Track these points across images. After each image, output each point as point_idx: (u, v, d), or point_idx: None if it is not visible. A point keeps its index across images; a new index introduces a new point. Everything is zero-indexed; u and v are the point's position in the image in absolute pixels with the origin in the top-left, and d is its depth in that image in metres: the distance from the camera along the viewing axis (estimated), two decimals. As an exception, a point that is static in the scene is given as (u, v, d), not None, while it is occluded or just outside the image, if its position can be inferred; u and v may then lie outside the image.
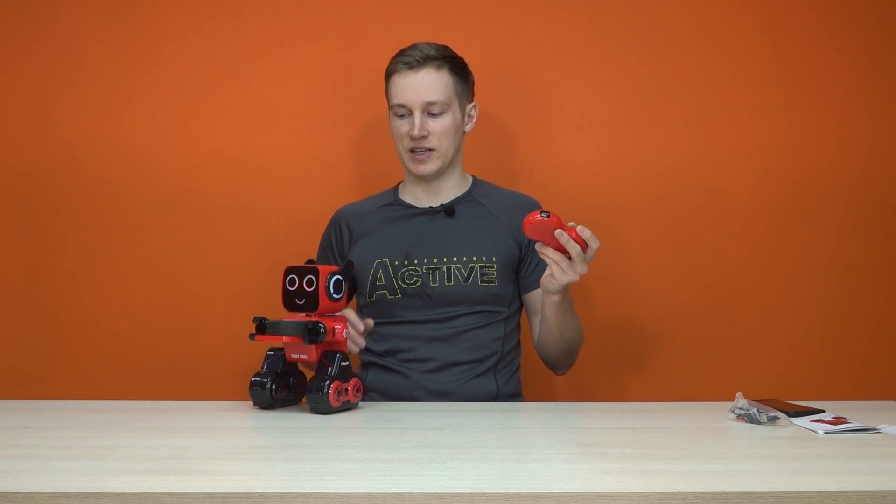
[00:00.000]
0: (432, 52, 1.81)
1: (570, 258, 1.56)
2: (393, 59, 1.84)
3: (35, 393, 2.12)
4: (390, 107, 1.84)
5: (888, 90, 2.15)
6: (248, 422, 1.44)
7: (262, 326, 1.50)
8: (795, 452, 1.25)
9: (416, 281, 1.82)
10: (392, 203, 1.92)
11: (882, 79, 2.15)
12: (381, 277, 1.83)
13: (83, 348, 2.15)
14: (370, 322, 1.70)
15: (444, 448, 1.26)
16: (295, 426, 1.40)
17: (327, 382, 1.46)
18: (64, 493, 1.01)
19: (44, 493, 1.01)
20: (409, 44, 1.85)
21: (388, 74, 1.84)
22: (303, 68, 2.17)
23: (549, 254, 1.56)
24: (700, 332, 2.15)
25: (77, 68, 2.16)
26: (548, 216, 1.51)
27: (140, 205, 2.15)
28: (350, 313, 1.64)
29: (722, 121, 2.16)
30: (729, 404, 1.49)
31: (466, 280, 1.81)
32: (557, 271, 1.58)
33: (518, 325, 1.90)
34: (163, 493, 1.01)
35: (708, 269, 2.15)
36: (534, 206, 1.90)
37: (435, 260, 1.82)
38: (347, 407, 1.51)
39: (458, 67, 1.84)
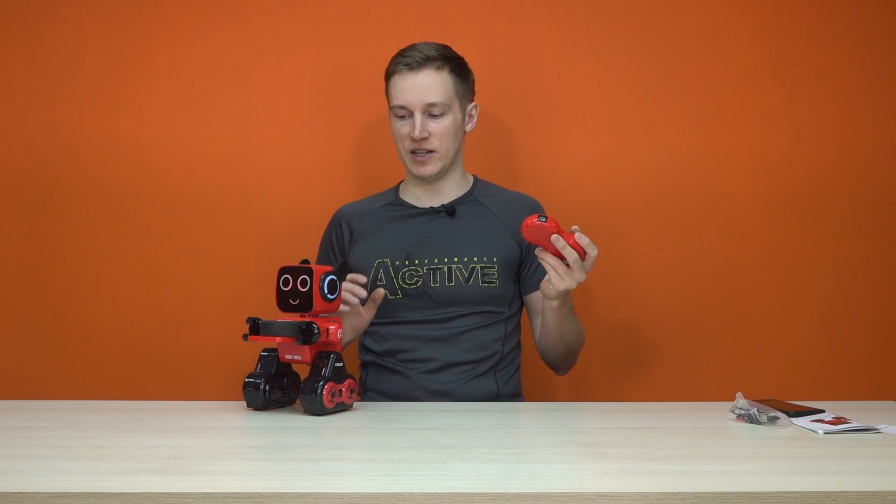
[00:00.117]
0: (432, 53, 1.81)
1: (567, 264, 1.56)
2: (393, 59, 1.84)
3: (35, 393, 2.12)
4: (391, 108, 1.84)
5: (888, 90, 2.15)
6: (247, 422, 1.44)
7: (256, 327, 1.49)
8: (795, 452, 1.25)
9: (417, 281, 1.82)
10: (393, 203, 1.92)
11: (882, 79, 2.15)
12: (381, 277, 1.83)
13: (83, 348, 2.15)
14: (381, 291, 1.70)
15: (444, 448, 1.26)
16: (295, 426, 1.40)
17: (321, 383, 1.45)
18: (64, 493, 1.01)
19: (44, 493, 1.01)
20: (409, 43, 1.84)
21: (388, 75, 1.84)
22: (303, 68, 2.17)
23: (547, 259, 1.56)
24: (700, 333, 2.15)
25: (77, 68, 2.16)
26: (545, 220, 1.51)
27: (140, 205, 2.15)
28: (354, 274, 1.66)
29: (722, 121, 2.16)
30: (729, 404, 1.49)
31: (467, 280, 1.81)
32: (555, 277, 1.58)
33: (518, 325, 1.90)
34: (162, 493, 1.01)
35: (708, 268, 2.16)
36: (535, 206, 1.90)
37: (436, 260, 1.82)
38: (342, 408, 1.50)
39: (458, 68, 1.84)
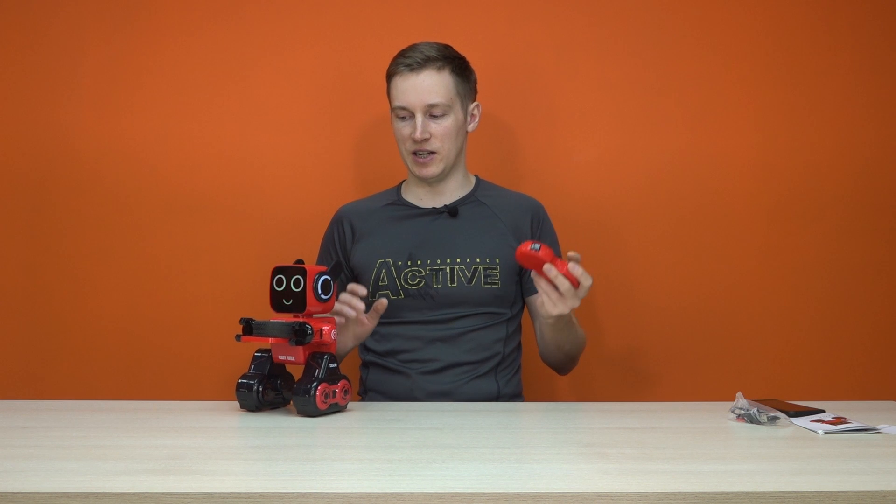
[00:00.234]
0: (433, 53, 1.80)
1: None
2: (394, 60, 1.83)
3: (35, 393, 2.12)
4: (392, 109, 1.84)
5: (888, 90, 2.15)
6: (247, 422, 1.44)
7: (249, 327, 1.48)
8: (795, 452, 1.25)
9: (420, 282, 1.81)
10: (395, 202, 1.92)
11: (882, 79, 2.15)
12: (383, 278, 1.82)
13: (83, 348, 2.15)
14: (384, 302, 1.65)
15: (444, 448, 1.26)
16: (295, 426, 1.40)
17: (314, 384, 1.44)
18: (64, 493, 1.01)
19: (44, 493, 1.01)
20: (410, 44, 1.84)
21: (389, 76, 1.84)
22: (303, 68, 2.17)
23: (541, 284, 1.56)
24: (700, 333, 2.15)
25: (77, 68, 2.16)
26: (538, 249, 1.52)
27: (140, 205, 2.15)
28: (353, 284, 1.63)
29: (723, 121, 2.16)
30: (729, 404, 1.49)
31: (470, 281, 1.81)
32: (548, 303, 1.57)
33: (520, 325, 1.90)
34: (163, 493, 1.01)
35: (708, 268, 2.15)
36: (537, 207, 1.89)
37: (438, 261, 1.82)
38: (335, 409, 1.48)
39: (459, 68, 1.83)
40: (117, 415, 1.52)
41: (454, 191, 1.90)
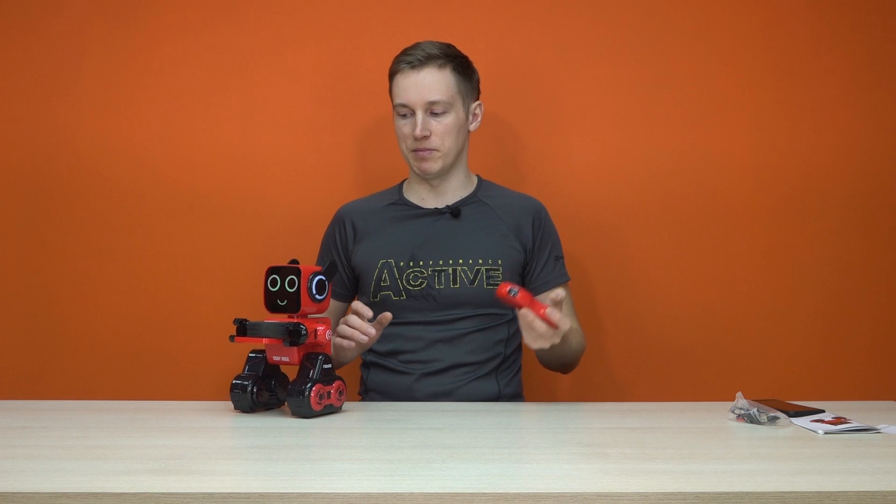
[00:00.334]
0: (435, 51, 1.80)
1: None
2: (396, 58, 1.83)
3: (35, 393, 2.12)
4: (393, 106, 1.84)
5: (888, 90, 2.15)
6: (247, 422, 1.44)
7: (243, 328, 1.47)
8: (795, 452, 1.25)
9: (422, 283, 1.81)
10: (397, 202, 1.91)
11: (882, 79, 2.15)
12: (385, 278, 1.82)
13: (83, 348, 2.15)
14: (388, 315, 1.64)
15: (444, 448, 1.26)
16: (295, 426, 1.40)
17: (308, 385, 1.43)
18: (64, 493, 1.01)
19: (44, 493, 1.01)
20: (412, 43, 1.84)
21: (392, 74, 1.84)
22: (304, 68, 2.17)
23: (520, 322, 1.57)
24: (700, 332, 2.15)
25: (77, 68, 2.16)
26: (515, 294, 1.53)
27: (140, 205, 2.15)
28: (358, 304, 1.62)
29: (723, 121, 2.16)
30: (729, 404, 1.49)
31: (472, 283, 1.80)
32: (527, 338, 1.58)
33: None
34: (163, 493, 1.01)
35: (708, 268, 2.15)
36: (538, 209, 1.89)
37: (440, 262, 1.82)
38: (330, 410, 1.48)
39: (461, 66, 1.83)
40: (117, 415, 1.52)
41: (456, 190, 1.89)
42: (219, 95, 2.16)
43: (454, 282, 1.80)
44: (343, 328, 1.61)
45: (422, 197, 1.90)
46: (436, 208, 1.87)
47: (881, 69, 2.15)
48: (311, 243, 1.97)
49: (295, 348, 1.46)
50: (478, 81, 1.89)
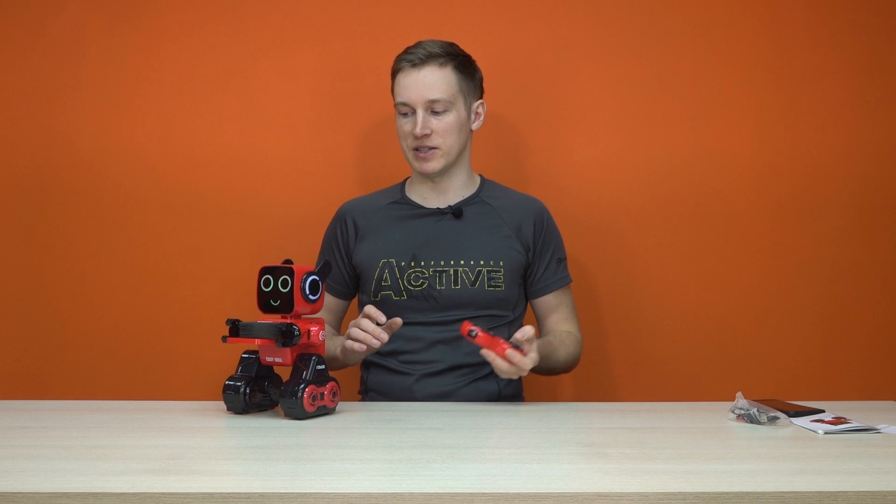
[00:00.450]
0: (436, 50, 1.79)
1: None
2: (397, 57, 1.83)
3: (35, 393, 2.12)
4: (395, 105, 1.84)
5: (889, 90, 2.15)
6: (247, 422, 1.44)
7: (235, 328, 1.46)
8: (795, 452, 1.25)
9: (423, 283, 1.81)
10: (399, 201, 1.91)
11: (883, 79, 2.15)
12: (386, 278, 1.82)
13: (83, 348, 2.15)
14: (398, 321, 1.63)
15: (444, 448, 1.26)
16: (294, 426, 1.40)
17: (301, 387, 1.42)
18: (64, 493, 1.01)
19: (44, 493, 1.01)
20: (413, 42, 1.83)
21: (393, 73, 1.84)
22: (304, 67, 2.17)
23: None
24: (700, 332, 2.15)
25: (77, 68, 2.16)
26: (475, 336, 1.55)
27: (141, 205, 2.15)
28: (371, 308, 1.61)
29: (725, 121, 2.15)
30: (729, 404, 1.49)
31: (473, 284, 1.80)
32: (496, 369, 1.58)
33: (522, 327, 1.89)
34: (163, 493, 1.01)
35: (708, 268, 2.15)
36: (540, 211, 1.88)
37: (442, 262, 1.81)
38: (323, 412, 1.47)
39: (462, 65, 1.82)
40: (117, 415, 1.52)
41: (458, 190, 1.89)
42: (219, 95, 2.16)
43: (455, 283, 1.80)
44: (356, 332, 1.60)
45: (424, 196, 1.89)
46: (438, 208, 1.87)
47: (881, 69, 2.15)
48: (312, 243, 1.97)
49: (288, 349, 1.45)
50: (480, 80, 1.88)
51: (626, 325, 2.16)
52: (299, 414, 1.42)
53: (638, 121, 2.16)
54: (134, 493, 1.01)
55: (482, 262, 1.81)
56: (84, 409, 1.60)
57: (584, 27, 2.16)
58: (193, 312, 2.15)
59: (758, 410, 1.43)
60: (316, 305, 1.48)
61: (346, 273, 1.89)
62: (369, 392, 1.85)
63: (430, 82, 1.78)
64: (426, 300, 1.80)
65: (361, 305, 1.89)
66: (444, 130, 1.80)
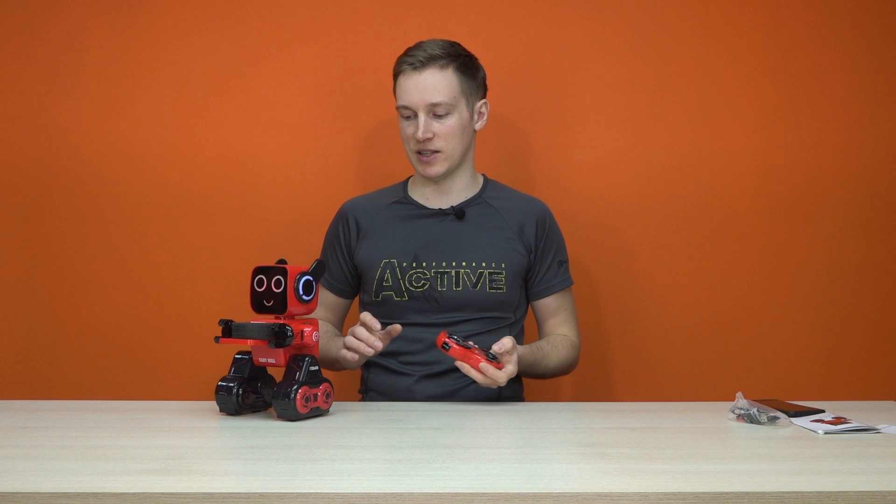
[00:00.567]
0: (437, 52, 1.78)
1: None
2: (398, 58, 1.82)
3: (35, 393, 2.12)
4: (396, 107, 1.83)
5: (889, 90, 2.15)
6: (247, 422, 1.44)
7: (228, 329, 1.45)
8: (795, 452, 1.25)
9: (424, 284, 1.81)
10: (401, 201, 1.90)
11: (883, 79, 2.15)
12: (388, 278, 1.82)
13: (83, 348, 2.15)
14: (398, 327, 1.63)
15: (444, 448, 1.26)
16: (294, 426, 1.40)
17: (294, 388, 1.40)
18: (64, 493, 1.01)
19: (44, 493, 1.01)
20: (414, 42, 1.82)
21: (395, 75, 1.82)
22: (304, 68, 2.17)
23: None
24: (700, 332, 2.15)
25: (77, 68, 2.16)
26: (448, 349, 1.56)
27: (141, 205, 2.15)
28: (367, 315, 1.61)
29: (725, 121, 2.15)
30: (729, 404, 1.49)
31: (475, 286, 1.80)
32: (475, 380, 1.59)
33: (522, 329, 1.89)
34: (163, 493, 1.01)
35: (708, 268, 2.15)
36: (543, 213, 1.88)
37: (444, 264, 1.81)
38: (317, 413, 1.45)
39: (464, 65, 1.81)
40: (117, 415, 1.52)
41: (461, 191, 1.88)
42: (219, 95, 2.16)
43: (457, 284, 1.80)
44: (350, 340, 1.61)
45: (426, 196, 1.89)
46: (440, 209, 1.86)
47: (881, 69, 2.15)
48: (313, 244, 1.97)
49: (281, 350, 1.44)
50: (483, 78, 1.87)
51: (627, 325, 2.16)
52: (292, 415, 1.41)
53: (639, 121, 2.16)
54: (134, 493, 1.01)
55: (484, 264, 1.81)
56: (84, 409, 1.60)
57: (585, 27, 2.16)
58: (193, 312, 2.15)
59: (758, 410, 1.43)
60: (310, 306, 1.47)
61: (348, 272, 1.89)
62: (369, 392, 1.85)
63: (432, 85, 1.77)
64: (427, 301, 1.80)
65: (363, 305, 1.89)
66: (446, 134, 1.79)
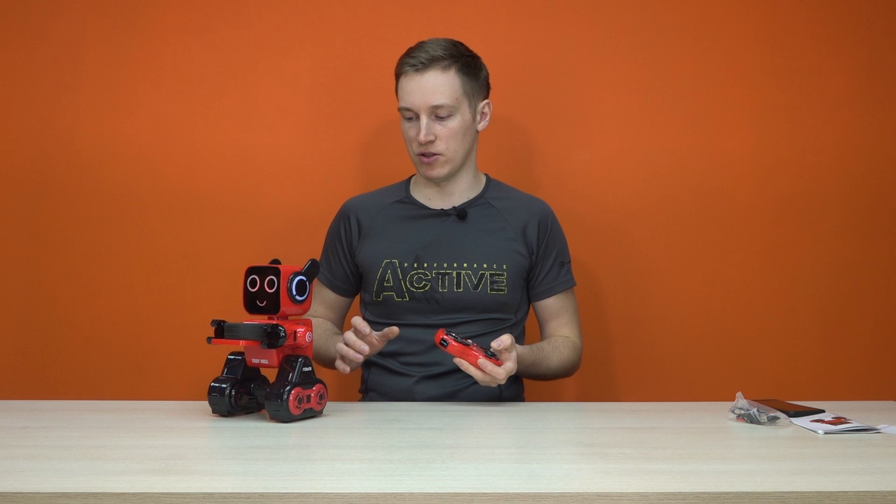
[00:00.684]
0: (439, 53, 1.76)
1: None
2: (400, 59, 1.80)
3: (35, 393, 2.12)
4: (398, 108, 1.82)
5: (889, 90, 2.15)
6: (248, 422, 1.44)
7: (220, 329, 1.44)
8: (795, 452, 1.25)
9: (425, 285, 1.80)
10: (403, 200, 1.89)
11: (883, 79, 2.15)
12: (389, 279, 1.81)
13: (83, 348, 2.15)
14: (395, 330, 1.63)
15: (444, 448, 1.26)
16: (294, 426, 1.40)
17: (287, 389, 1.39)
18: (64, 493, 1.01)
19: (44, 493, 1.01)
20: (414, 43, 1.81)
21: (397, 75, 1.81)
22: (304, 68, 2.17)
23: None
24: (700, 333, 2.15)
25: (77, 68, 2.16)
26: (446, 345, 1.55)
27: (141, 205, 2.15)
28: (357, 320, 1.60)
29: (724, 121, 2.15)
30: (729, 404, 1.49)
31: (476, 287, 1.80)
32: (474, 378, 1.58)
33: (523, 330, 1.89)
34: (163, 493, 1.01)
35: (708, 268, 2.15)
36: (545, 213, 1.87)
37: (445, 265, 1.81)
38: (310, 415, 1.44)
39: (467, 66, 1.80)
40: (117, 415, 1.52)
41: (463, 191, 1.87)
42: (219, 95, 2.16)
43: (458, 285, 1.80)
44: (341, 347, 1.61)
45: (428, 197, 1.88)
46: (442, 209, 1.86)
47: (881, 69, 2.15)
48: (313, 245, 1.97)
49: (274, 350, 1.43)
50: (486, 78, 1.86)
51: (627, 325, 2.16)
52: (285, 417, 1.40)
53: (640, 121, 2.16)
54: (134, 493, 1.00)
55: (485, 266, 1.80)
56: (84, 409, 1.60)
57: (587, 27, 2.16)
58: (194, 312, 2.15)
59: (758, 410, 1.43)
60: (303, 306, 1.46)
61: (349, 270, 1.88)
62: (370, 392, 1.85)
63: (434, 87, 1.76)
64: (428, 302, 1.80)
65: (363, 305, 1.89)
66: (448, 136, 1.78)
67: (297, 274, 1.45)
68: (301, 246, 2.00)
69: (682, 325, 2.15)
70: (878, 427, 1.37)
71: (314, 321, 1.86)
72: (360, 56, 2.16)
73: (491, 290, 1.79)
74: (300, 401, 1.41)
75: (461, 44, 1.82)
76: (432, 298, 1.80)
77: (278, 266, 1.45)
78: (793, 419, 1.44)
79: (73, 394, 2.09)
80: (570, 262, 1.89)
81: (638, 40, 2.16)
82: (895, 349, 2.15)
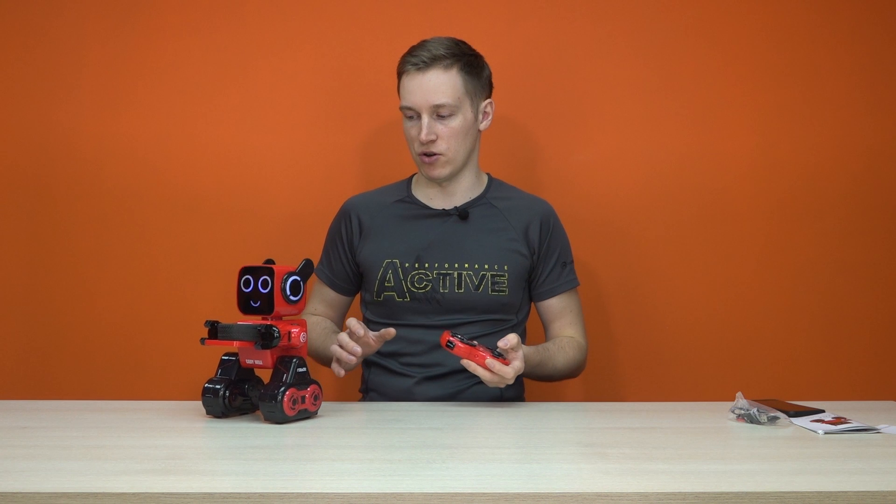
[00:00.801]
0: (441, 52, 1.75)
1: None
2: (402, 57, 1.79)
3: (35, 393, 2.12)
4: (400, 107, 1.81)
5: (889, 90, 2.15)
6: (248, 422, 1.44)
7: (214, 330, 1.43)
8: (795, 452, 1.25)
9: (426, 286, 1.80)
10: (405, 199, 1.88)
11: (883, 79, 2.15)
12: (389, 278, 1.81)
13: (83, 348, 2.15)
14: (391, 331, 1.63)
15: (444, 448, 1.26)
16: (294, 426, 1.40)
17: (282, 389, 1.39)
18: (64, 493, 1.01)
19: (44, 493, 1.01)
20: (417, 41, 1.80)
21: (398, 74, 1.80)
22: (304, 68, 2.17)
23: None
24: (700, 332, 2.15)
25: (77, 68, 2.16)
26: (453, 347, 1.55)
27: (141, 205, 2.15)
28: (352, 321, 1.60)
29: (724, 121, 2.15)
30: (729, 404, 1.49)
31: (477, 288, 1.79)
32: (482, 379, 1.57)
33: (525, 331, 1.89)
34: (163, 493, 1.01)
35: (708, 268, 2.15)
36: (547, 213, 1.87)
37: (446, 265, 1.80)
38: (304, 416, 1.44)
39: (469, 65, 1.79)
40: (117, 415, 1.52)
41: (465, 191, 1.86)
42: (219, 95, 2.16)
43: (459, 286, 1.79)
44: (335, 349, 1.61)
45: (430, 196, 1.87)
46: (443, 209, 1.85)
47: (881, 69, 2.15)
48: (313, 244, 1.97)
49: (268, 351, 1.42)
50: (488, 77, 1.85)
51: (629, 325, 2.16)
52: (279, 418, 1.40)
53: (641, 120, 2.16)
54: (134, 493, 1.01)
55: (486, 266, 1.80)
56: (84, 409, 1.60)
57: (588, 27, 2.16)
58: (194, 312, 2.14)
59: (758, 410, 1.43)
60: (297, 307, 1.46)
61: (350, 269, 1.88)
62: (370, 392, 1.85)
63: (435, 86, 1.75)
64: (429, 303, 1.80)
65: (364, 304, 1.89)
66: (449, 135, 1.77)
67: (291, 274, 1.44)
68: (301, 246, 2.00)
69: (682, 325, 2.15)
70: (878, 427, 1.37)
71: (314, 319, 1.87)
72: (361, 56, 2.16)
73: (492, 291, 1.79)
74: (295, 402, 1.41)
75: (464, 43, 1.81)
76: (433, 299, 1.79)
77: (272, 266, 1.44)
78: (793, 419, 1.44)
79: (73, 394, 2.09)
80: (572, 262, 1.89)
81: (638, 40, 2.16)
82: (895, 349, 2.15)
